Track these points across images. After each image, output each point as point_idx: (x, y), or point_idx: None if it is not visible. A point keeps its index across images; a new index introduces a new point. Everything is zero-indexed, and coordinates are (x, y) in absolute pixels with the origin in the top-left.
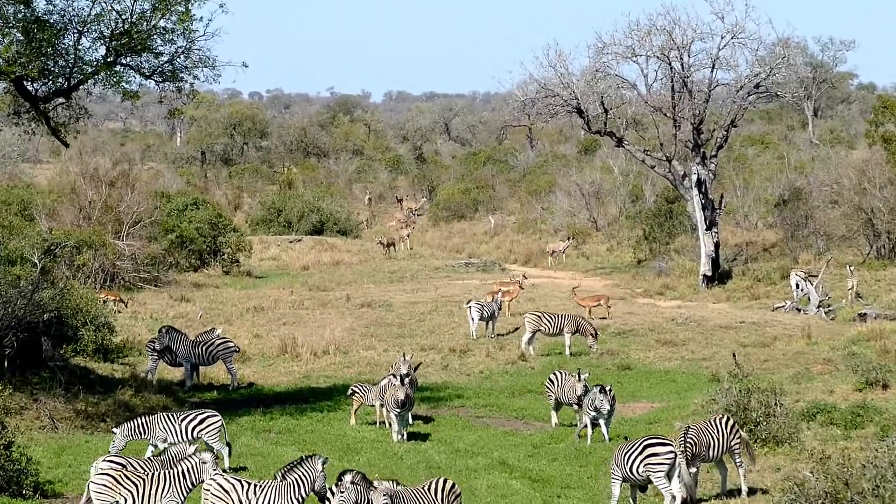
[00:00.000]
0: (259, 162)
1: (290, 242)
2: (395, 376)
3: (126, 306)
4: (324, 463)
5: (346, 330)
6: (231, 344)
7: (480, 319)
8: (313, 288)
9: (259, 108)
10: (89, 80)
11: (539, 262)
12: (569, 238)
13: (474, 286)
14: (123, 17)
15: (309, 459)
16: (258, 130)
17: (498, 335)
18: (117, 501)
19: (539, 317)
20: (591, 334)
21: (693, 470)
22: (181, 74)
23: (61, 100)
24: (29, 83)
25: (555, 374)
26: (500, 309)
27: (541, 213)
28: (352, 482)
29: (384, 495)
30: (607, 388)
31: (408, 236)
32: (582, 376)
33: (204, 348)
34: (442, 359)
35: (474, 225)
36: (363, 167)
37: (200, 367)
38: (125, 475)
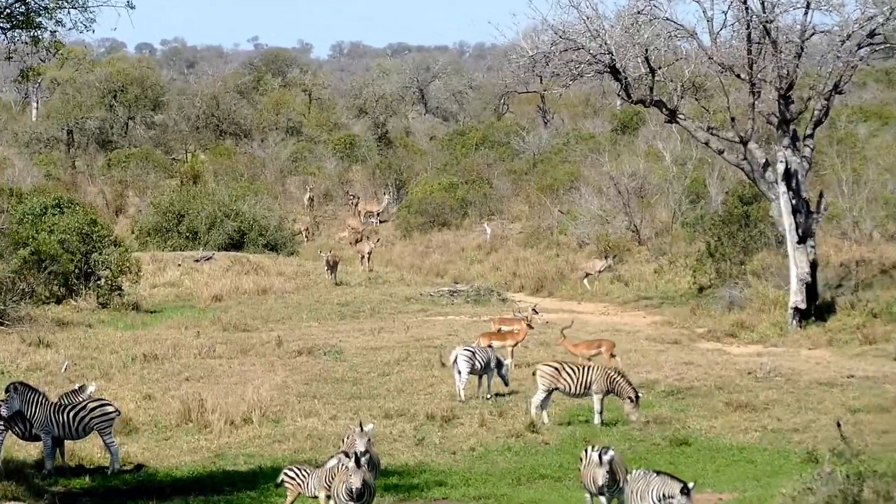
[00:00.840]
0: (151, 145)
1: (197, 261)
2: (347, 455)
3: None
4: None
5: (276, 388)
6: (110, 409)
7: (471, 373)
8: (230, 327)
9: (151, 68)
10: None
11: (556, 290)
12: (607, 256)
13: (462, 324)
14: None
15: None
16: (149, 99)
17: (496, 395)
18: None
19: (556, 370)
20: (631, 396)
21: None
22: (37, 18)
23: None
24: None
25: (586, 451)
26: (498, 360)
27: (559, 218)
28: None
29: None
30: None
31: (368, 254)
32: (604, 457)
33: (71, 414)
34: (416, 430)
35: (462, 236)
36: (301, 153)
37: (66, 442)
38: None
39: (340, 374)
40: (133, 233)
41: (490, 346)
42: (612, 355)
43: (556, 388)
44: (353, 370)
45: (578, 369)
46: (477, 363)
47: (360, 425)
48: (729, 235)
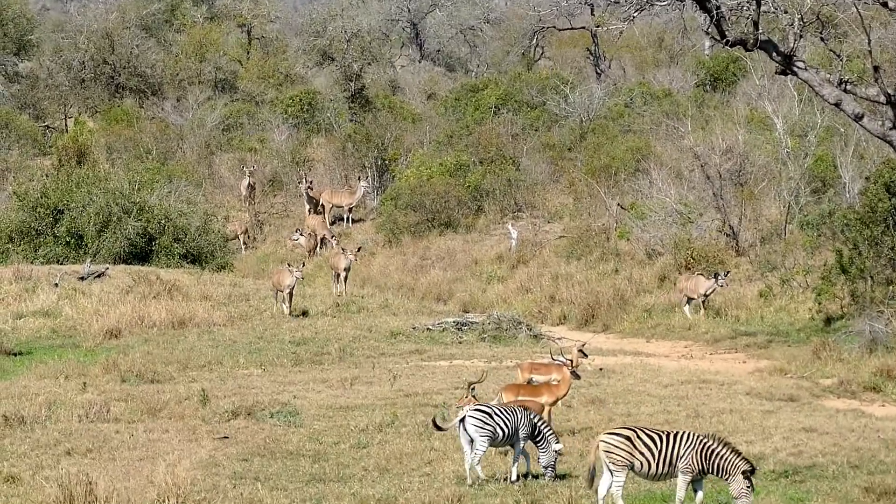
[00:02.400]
0: (13, 107)
1: (83, 279)
2: None
3: None
4: None
5: (200, 466)
6: None
7: (491, 444)
8: (131, 377)
9: None
10: None
11: (615, 322)
12: (717, 274)
13: (475, 372)
14: None
15: None
16: (10, 39)
17: (529, 476)
18: None
19: (630, 439)
20: (746, 470)
21: None
22: None
23: None
24: None
25: None
26: (529, 419)
27: (619, 216)
28: None
29: None
30: None
31: (346, 272)
32: None
33: None
34: None
35: (476, 242)
36: (237, 118)
37: None
38: None
39: (295, 446)
40: None
41: (522, 405)
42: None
43: (630, 467)
44: (315, 440)
45: (661, 439)
46: (500, 429)
47: None
48: (871, 242)
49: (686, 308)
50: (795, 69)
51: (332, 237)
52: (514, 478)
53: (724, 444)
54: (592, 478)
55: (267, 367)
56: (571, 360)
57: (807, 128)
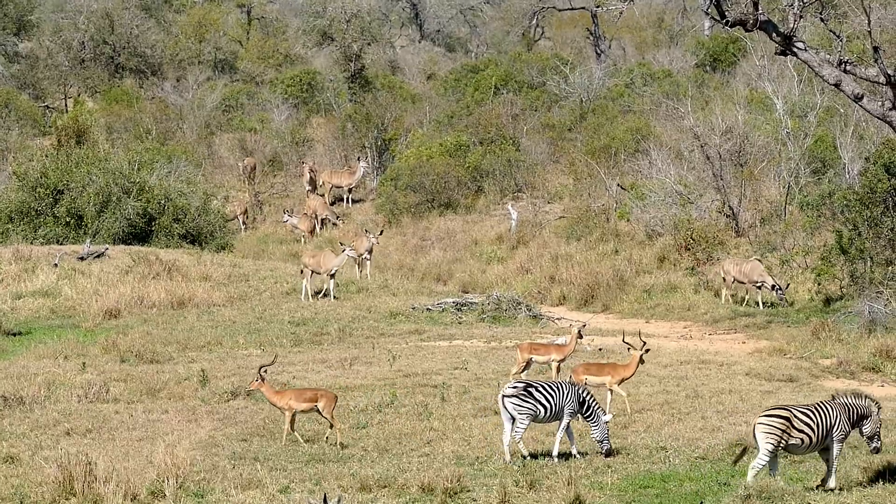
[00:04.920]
0: (13, 86)
1: (82, 259)
2: None
3: None
4: None
5: (199, 446)
6: None
7: (534, 421)
8: (130, 357)
9: None
10: None
11: (615, 303)
12: (778, 288)
13: (475, 352)
14: None
15: None
16: (10, 19)
17: (571, 456)
18: None
19: (789, 420)
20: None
21: None
22: None
23: None
24: None
25: None
26: (576, 395)
27: (618, 197)
28: None
29: None
30: None
31: (369, 253)
32: None
33: None
34: None
35: (476, 223)
36: (237, 98)
37: None
38: None
39: (295, 426)
40: None
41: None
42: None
43: (787, 446)
44: (313, 419)
45: (815, 412)
46: (540, 406)
47: (325, 501)
48: (870, 222)
49: (725, 291)
50: (795, 50)
51: (336, 218)
52: (555, 452)
53: (857, 396)
54: (740, 456)
55: (266, 347)
56: (644, 343)
57: (807, 108)
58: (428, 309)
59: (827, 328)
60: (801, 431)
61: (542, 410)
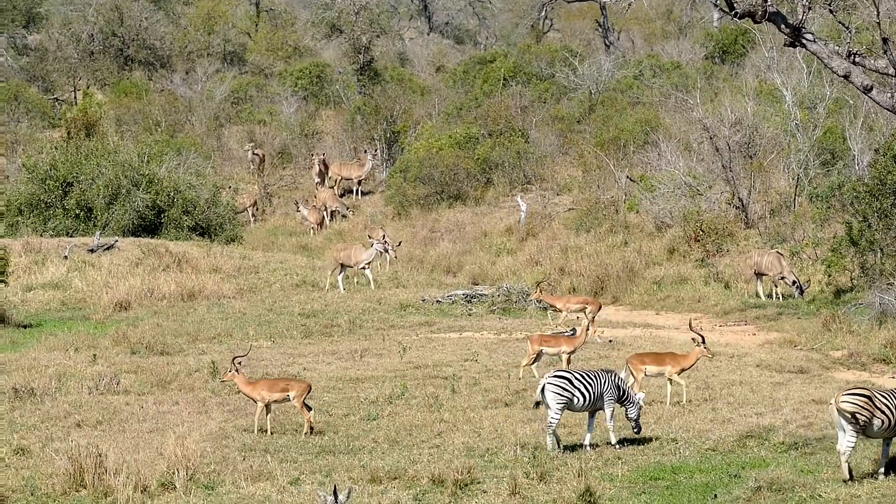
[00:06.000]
0: (22, 79)
1: (92, 251)
2: None
3: None
4: None
5: (210, 438)
6: None
7: (569, 409)
8: (141, 349)
9: None
10: None
11: (624, 294)
12: (800, 287)
13: (485, 344)
14: None
15: None
16: (18, 11)
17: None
18: None
19: (870, 399)
20: None
21: None
22: None
23: None
24: None
25: None
26: (615, 383)
27: (628, 189)
28: None
29: None
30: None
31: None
32: None
33: None
34: (416, 499)
35: (485, 215)
36: (246, 91)
37: None
38: None
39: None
40: None
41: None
42: (307, 407)
43: (868, 424)
44: (324, 411)
45: (892, 394)
46: (577, 395)
47: (335, 493)
48: (880, 214)
49: (759, 288)
50: (804, 41)
51: (347, 209)
52: (614, 441)
53: None
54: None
55: (276, 339)
56: (703, 338)
57: (816, 100)
58: (438, 301)
59: (837, 320)
60: (882, 412)
61: (581, 399)
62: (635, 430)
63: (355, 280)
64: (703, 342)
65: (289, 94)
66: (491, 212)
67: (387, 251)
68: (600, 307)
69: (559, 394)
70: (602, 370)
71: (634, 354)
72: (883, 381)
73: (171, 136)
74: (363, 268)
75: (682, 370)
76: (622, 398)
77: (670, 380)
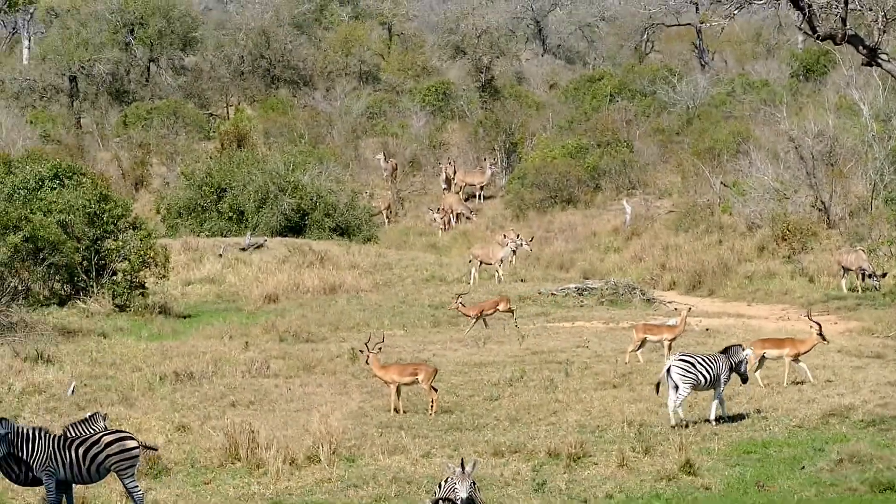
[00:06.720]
0: (181, 96)
1: (244, 250)
2: None
3: None
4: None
5: (350, 416)
6: (131, 444)
7: (694, 389)
8: (288, 337)
9: None
10: None
11: (719, 288)
12: (872, 275)
13: (595, 333)
14: None
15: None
16: (177, 35)
17: (722, 420)
18: None
19: None
20: None
21: None
22: None
23: None
24: None
25: None
26: (729, 367)
27: (721, 193)
28: None
29: None
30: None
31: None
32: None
33: (80, 451)
34: (534, 471)
35: (594, 217)
36: (380, 106)
37: (75, 486)
38: None
39: (435, 398)
40: (158, 213)
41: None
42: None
43: None
44: (452, 392)
45: None
46: (701, 376)
47: (462, 465)
48: None
49: (843, 282)
50: (880, 61)
51: (470, 212)
52: (712, 417)
53: None
54: None
55: (408, 328)
56: (820, 325)
57: (890, 113)
58: (553, 294)
59: None
60: None
61: (703, 379)
62: (742, 381)
63: (475, 275)
64: (821, 330)
65: (418, 109)
66: (599, 214)
67: (518, 248)
68: (508, 301)
69: (685, 374)
70: (720, 354)
71: (758, 339)
72: None
73: (314, 147)
74: (499, 264)
75: (798, 354)
76: (741, 372)
77: (796, 360)
